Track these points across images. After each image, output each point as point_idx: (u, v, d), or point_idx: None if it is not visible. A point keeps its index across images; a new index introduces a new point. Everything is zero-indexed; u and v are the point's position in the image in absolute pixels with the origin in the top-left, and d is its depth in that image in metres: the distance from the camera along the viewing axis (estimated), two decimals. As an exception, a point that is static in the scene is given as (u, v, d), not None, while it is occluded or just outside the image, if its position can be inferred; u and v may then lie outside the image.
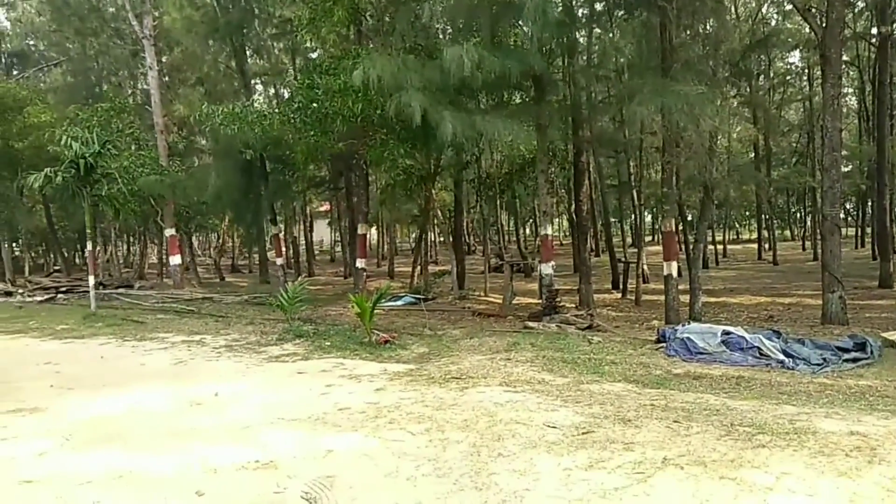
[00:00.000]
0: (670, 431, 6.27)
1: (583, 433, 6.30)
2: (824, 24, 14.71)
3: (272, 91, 40.17)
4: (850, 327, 13.73)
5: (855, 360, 9.32)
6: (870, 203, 37.79)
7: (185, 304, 18.82)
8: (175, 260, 23.98)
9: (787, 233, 56.34)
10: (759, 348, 9.62)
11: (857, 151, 39.14)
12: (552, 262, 15.87)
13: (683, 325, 11.01)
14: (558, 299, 15.80)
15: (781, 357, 9.36)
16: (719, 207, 43.99)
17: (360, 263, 18.21)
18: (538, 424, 6.63)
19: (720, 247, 41.14)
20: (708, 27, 15.47)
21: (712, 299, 21.63)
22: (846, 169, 49.29)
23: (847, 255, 37.39)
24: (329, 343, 12.13)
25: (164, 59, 30.29)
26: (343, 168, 22.33)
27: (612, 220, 37.92)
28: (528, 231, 50.97)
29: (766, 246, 38.37)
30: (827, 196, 14.16)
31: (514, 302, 18.04)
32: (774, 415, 6.77)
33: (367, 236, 21.70)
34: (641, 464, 5.46)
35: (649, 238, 52.73)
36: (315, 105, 16.21)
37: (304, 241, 39.50)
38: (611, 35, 19.66)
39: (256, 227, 23.84)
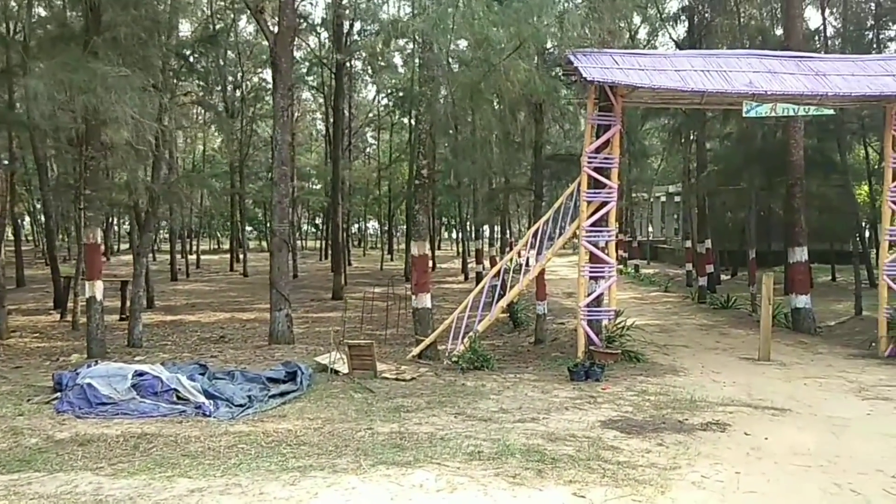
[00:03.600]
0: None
1: None
2: (276, 31, 14.22)
3: None
4: (295, 346, 13.39)
5: (283, 394, 8.41)
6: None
7: None
8: None
9: (264, 244, 58.44)
10: (176, 391, 7.92)
11: (322, 171, 42.46)
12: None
13: (88, 366, 8.61)
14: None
15: (202, 400, 7.84)
16: (202, 216, 42.71)
17: None
18: None
19: (193, 257, 39.52)
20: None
21: (170, 317, 19.71)
22: (317, 186, 53.78)
23: (311, 267, 40.35)
24: None
25: None
26: None
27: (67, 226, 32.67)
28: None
29: (240, 256, 38.36)
30: (276, 211, 13.59)
31: None
32: (157, 500, 5.03)
33: None
34: None
35: (126, 246, 48.26)
36: None
37: None
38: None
39: None
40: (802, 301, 15.17)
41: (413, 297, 11.84)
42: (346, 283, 26.44)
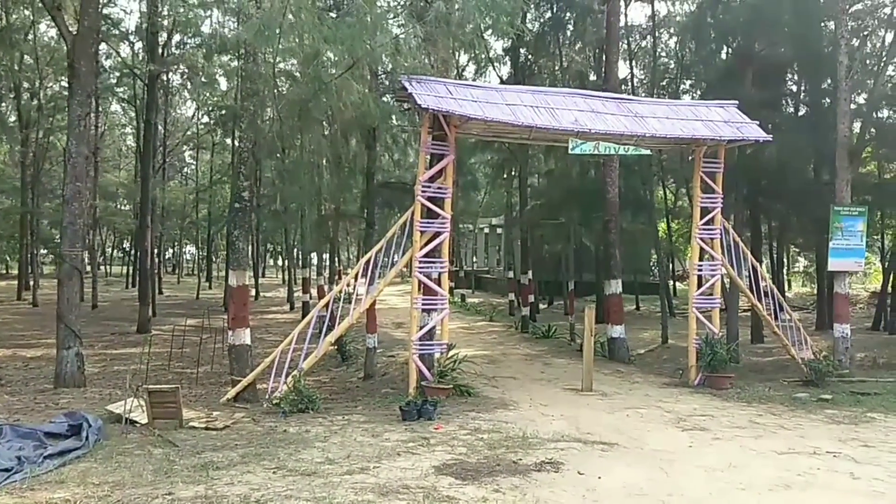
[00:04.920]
0: None
1: None
2: (76, 32, 12.59)
3: None
4: (87, 390, 11.65)
5: (63, 452, 7.03)
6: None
7: None
8: None
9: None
10: (-83, 456, 6.31)
11: (132, 191, 39.03)
12: None
13: None
14: None
15: (-46, 465, 6.30)
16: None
17: None
18: None
19: (-29, 285, 34.30)
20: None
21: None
22: (126, 207, 49.20)
23: (116, 296, 36.62)
24: None
25: None
26: None
27: None
28: None
29: (30, 283, 33.78)
30: (67, 233, 11.82)
31: None
32: None
33: None
34: None
35: None
36: None
37: None
38: None
39: None
40: (618, 331, 15.90)
41: (230, 332, 10.71)
42: (154, 314, 24.08)
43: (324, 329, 11.38)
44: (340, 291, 11.98)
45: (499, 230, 38.81)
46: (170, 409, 8.46)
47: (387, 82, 13.47)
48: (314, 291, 24.90)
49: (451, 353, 11.07)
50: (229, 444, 7.77)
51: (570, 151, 11.72)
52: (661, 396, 11.19)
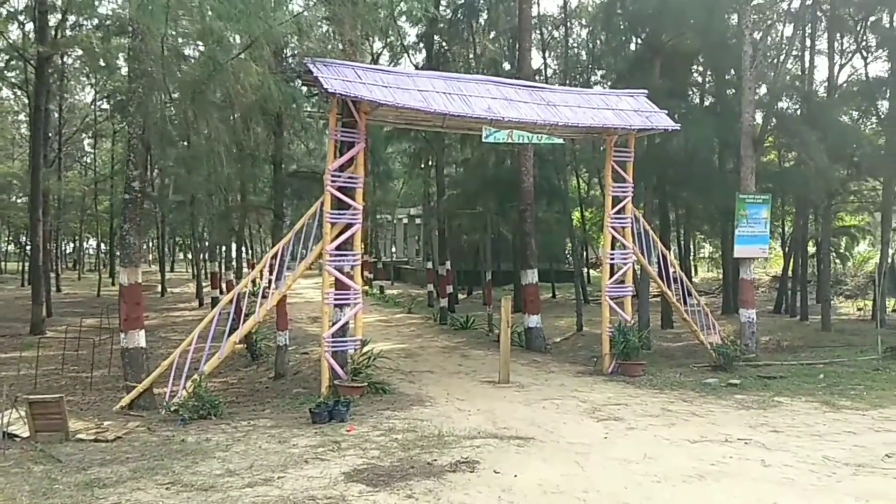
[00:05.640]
0: None
1: None
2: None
3: None
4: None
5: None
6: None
7: None
8: None
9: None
10: None
11: (27, 182, 36.34)
12: None
13: None
14: None
15: None
16: None
17: None
18: None
19: None
20: None
21: None
22: (21, 199, 45.76)
23: (9, 295, 34.17)
24: None
25: None
26: None
27: None
28: None
29: None
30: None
31: None
32: None
33: None
34: None
35: None
36: None
37: None
38: None
39: None
40: (534, 321, 15.89)
41: (122, 335, 9.91)
42: (50, 313, 22.46)
43: (229, 325, 10.76)
44: (245, 287, 11.37)
45: (417, 220, 38.49)
46: (54, 421, 7.71)
47: (294, 66, 12.86)
48: (224, 286, 23.88)
49: (366, 348, 10.69)
50: (120, 458, 7.13)
51: (483, 139, 11.50)
52: (577, 386, 11.18)
